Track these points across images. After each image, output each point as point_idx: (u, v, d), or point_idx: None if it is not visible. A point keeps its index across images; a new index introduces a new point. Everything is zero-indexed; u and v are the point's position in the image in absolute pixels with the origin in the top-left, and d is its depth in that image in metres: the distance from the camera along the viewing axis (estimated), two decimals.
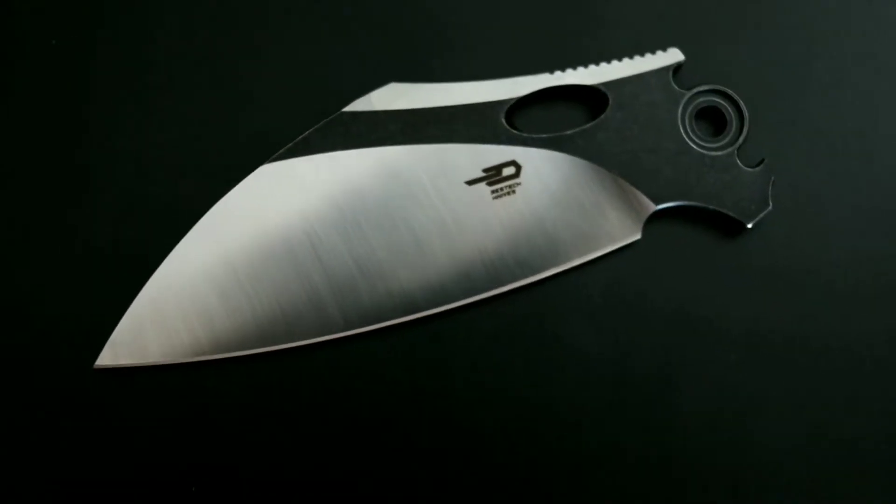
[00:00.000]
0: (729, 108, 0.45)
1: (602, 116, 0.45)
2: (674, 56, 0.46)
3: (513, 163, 0.45)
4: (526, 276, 0.44)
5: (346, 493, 0.44)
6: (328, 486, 0.44)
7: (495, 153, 0.45)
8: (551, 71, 0.45)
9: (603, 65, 0.45)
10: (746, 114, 0.45)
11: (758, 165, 0.45)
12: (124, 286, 0.44)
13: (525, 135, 0.45)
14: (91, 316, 0.44)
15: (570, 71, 0.45)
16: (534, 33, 0.47)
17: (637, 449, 0.45)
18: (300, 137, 0.44)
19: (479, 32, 0.47)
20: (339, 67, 0.47)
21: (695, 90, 0.45)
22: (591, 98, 0.46)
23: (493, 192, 0.44)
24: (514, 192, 0.44)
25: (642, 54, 0.45)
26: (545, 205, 0.44)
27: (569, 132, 0.45)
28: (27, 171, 0.46)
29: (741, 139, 0.45)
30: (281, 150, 0.44)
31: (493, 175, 0.45)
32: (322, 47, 0.47)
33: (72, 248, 0.45)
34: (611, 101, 0.45)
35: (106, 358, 0.43)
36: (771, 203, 0.44)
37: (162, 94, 0.47)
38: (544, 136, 0.45)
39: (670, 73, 0.45)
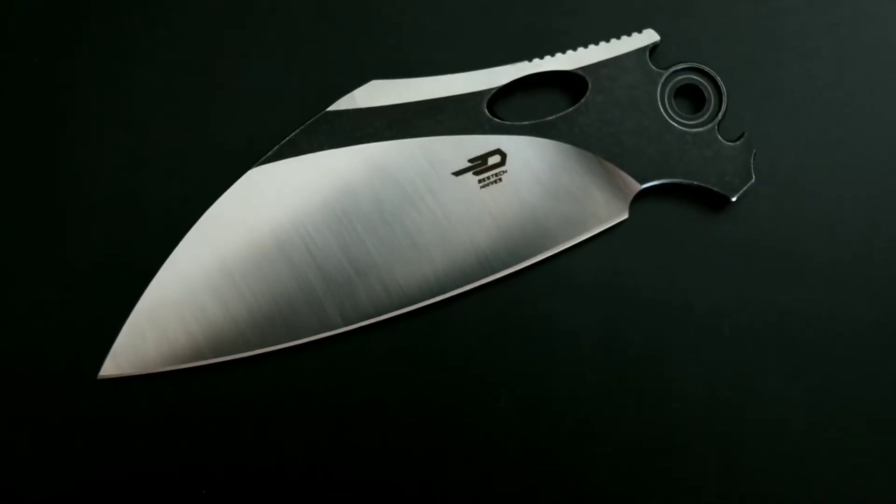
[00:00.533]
0: (707, 85, 0.46)
1: (582, 100, 0.46)
2: (649, 37, 0.46)
3: (498, 151, 0.45)
4: (517, 263, 0.45)
5: (354, 488, 0.45)
6: (335, 483, 0.45)
7: (480, 143, 0.45)
8: (529, 59, 0.46)
9: (580, 49, 0.46)
10: (724, 89, 0.46)
11: (738, 139, 0.46)
12: (122, 296, 0.44)
13: (508, 123, 0.45)
14: (91, 327, 0.45)
15: (548, 58, 0.46)
16: (509, 22, 0.48)
17: (633, 425, 0.45)
18: (286, 139, 0.45)
19: (454, 25, 0.48)
20: (320, 68, 0.47)
21: (672, 69, 0.46)
22: (570, 83, 0.46)
23: (480, 181, 0.45)
24: (500, 180, 0.45)
25: (618, 37, 0.46)
26: (532, 191, 0.45)
27: (551, 118, 0.45)
28: (15, 186, 0.47)
29: (721, 114, 0.46)
30: (268, 153, 0.45)
31: (479, 164, 0.45)
32: (301, 49, 0.48)
33: (66, 261, 0.46)
34: (590, 85, 0.46)
35: (109, 368, 0.43)
36: (754, 175, 0.45)
37: (145, 106, 0.47)
38: (527, 123, 0.45)
39: (647, 53, 0.46)
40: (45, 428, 0.45)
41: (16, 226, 0.46)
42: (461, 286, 0.45)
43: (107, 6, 0.48)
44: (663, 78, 0.46)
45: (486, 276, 0.45)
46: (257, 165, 0.45)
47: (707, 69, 0.46)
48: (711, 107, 0.46)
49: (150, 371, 0.44)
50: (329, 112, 0.45)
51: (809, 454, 0.45)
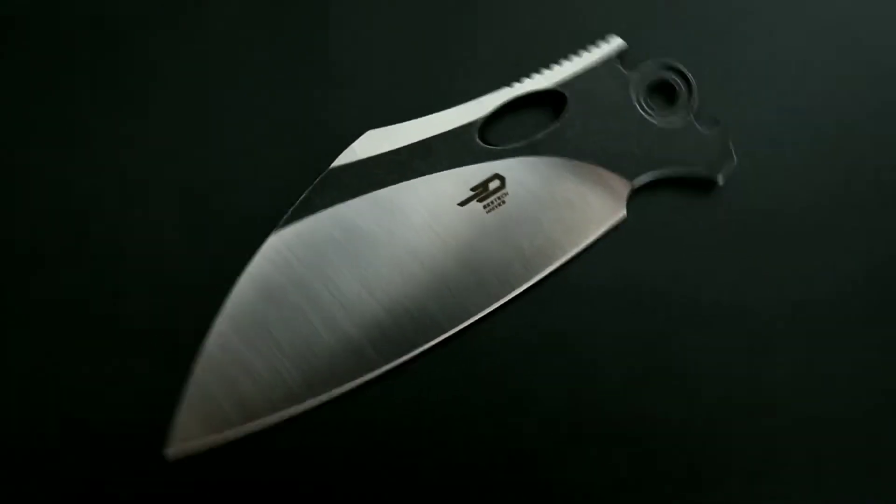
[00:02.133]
0: (677, 79, 0.49)
1: (565, 115, 0.48)
2: (616, 43, 0.49)
3: (496, 176, 0.48)
4: (533, 276, 0.48)
5: None
6: None
7: (478, 171, 0.48)
8: (509, 84, 0.49)
9: (554, 67, 0.49)
10: (693, 80, 0.49)
11: (715, 126, 0.48)
12: (168, 370, 0.46)
13: (500, 148, 0.48)
14: (142, 406, 0.46)
15: (525, 80, 0.49)
16: (482, 52, 0.51)
17: (657, 412, 0.48)
18: (299, 200, 0.47)
19: (435, 65, 0.50)
20: (317, 127, 0.49)
21: (641, 69, 0.49)
22: (551, 100, 0.49)
23: (484, 206, 0.48)
24: (503, 202, 0.48)
25: (587, 49, 0.49)
26: (535, 207, 0.48)
27: (539, 136, 0.48)
28: (48, 272, 0.49)
29: (694, 105, 0.49)
30: (285, 216, 0.47)
31: (480, 192, 0.48)
32: (297, 112, 0.50)
33: (109, 343, 0.48)
34: (569, 99, 0.48)
35: (175, 449, 0.45)
36: (735, 157, 0.48)
37: (161, 178, 0.49)
38: (518, 144, 0.48)
39: (616, 59, 0.49)
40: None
41: (50, 315, 0.48)
42: (485, 307, 0.47)
43: (109, 78, 0.50)
44: (634, 80, 0.49)
45: (507, 293, 0.47)
46: (277, 230, 0.47)
47: (674, 63, 0.49)
48: (685, 99, 0.49)
49: (213, 444, 0.46)
50: (334, 168, 0.47)
51: (824, 435, 0.48)
